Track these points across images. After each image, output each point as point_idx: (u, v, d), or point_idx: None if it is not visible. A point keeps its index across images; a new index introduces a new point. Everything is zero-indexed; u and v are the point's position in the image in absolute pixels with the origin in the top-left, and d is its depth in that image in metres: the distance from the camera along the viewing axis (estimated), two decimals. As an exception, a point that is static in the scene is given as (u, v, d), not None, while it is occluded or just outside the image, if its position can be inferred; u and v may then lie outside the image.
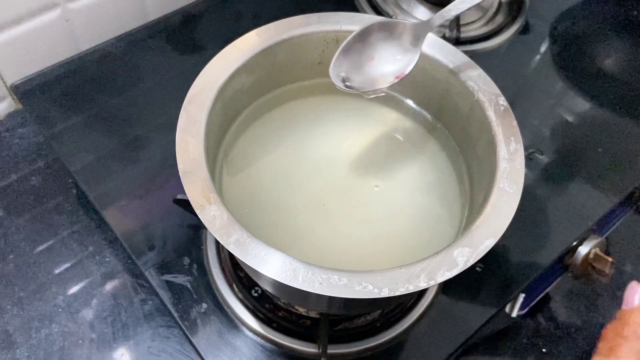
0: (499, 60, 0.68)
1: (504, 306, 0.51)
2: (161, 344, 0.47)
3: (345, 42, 0.40)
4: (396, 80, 0.41)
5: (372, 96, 0.41)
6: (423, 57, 0.44)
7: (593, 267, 0.56)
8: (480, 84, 0.42)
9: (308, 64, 0.47)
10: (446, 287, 0.50)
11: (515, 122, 0.40)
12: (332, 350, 0.46)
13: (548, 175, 0.58)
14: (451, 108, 0.45)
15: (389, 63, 0.41)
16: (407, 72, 0.40)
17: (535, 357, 0.54)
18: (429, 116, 0.48)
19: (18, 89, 0.59)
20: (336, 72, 0.41)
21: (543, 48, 0.70)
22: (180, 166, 0.36)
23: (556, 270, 0.58)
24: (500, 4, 0.74)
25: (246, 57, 0.42)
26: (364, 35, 0.41)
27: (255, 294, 0.48)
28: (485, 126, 0.41)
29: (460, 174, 0.45)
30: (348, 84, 0.40)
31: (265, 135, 0.47)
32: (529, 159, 0.59)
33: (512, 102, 0.41)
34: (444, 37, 0.65)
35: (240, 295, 0.48)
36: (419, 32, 0.40)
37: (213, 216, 0.34)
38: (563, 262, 0.57)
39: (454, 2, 0.39)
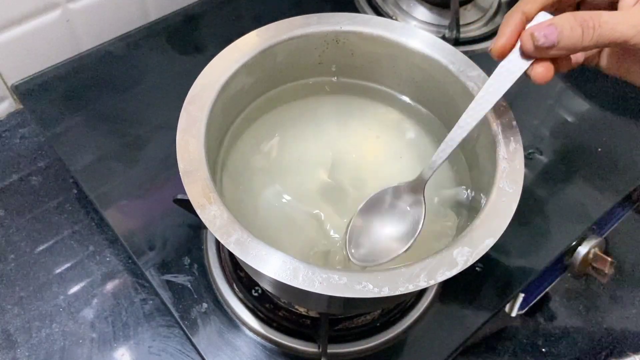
0: (499, 61, 0.68)
1: (504, 306, 0.51)
2: (161, 344, 0.47)
3: (351, 221, 0.40)
4: (411, 244, 0.39)
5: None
6: (423, 57, 0.44)
7: (592, 267, 0.56)
8: (480, 84, 0.42)
9: (308, 65, 0.47)
10: (446, 287, 0.50)
11: (515, 122, 0.40)
12: (332, 350, 0.46)
13: (548, 175, 0.58)
14: (451, 108, 0.45)
15: (398, 228, 0.40)
16: (418, 231, 0.39)
17: (535, 357, 0.54)
18: (428, 116, 0.48)
19: (18, 89, 0.59)
20: (350, 253, 0.39)
21: (543, 48, 0.70)
22: (180, 166, 0.36)
23: (556, 270, 0.58)
24: (500, 4, 0.74)
25: (246, 58, 0.42)
26: (367, 210, 0.40)
27: (256, 294, 0.48)
28: (485, 126, 0.41)
29: (460, 173, 0.45)
30: (365, 263, 0.39)
31: (266, 136, 0.47)
32: (528, 159, 0.59)
33: (512, 102, 0.41)
34: (443, 38, 0.65)
35: (240, 294, 0.48)
36: (416, 187, 0.40)
37: (213, 216, 0.34)
38: (562, 262, 0.57)
39: (437, 152, 0.38)
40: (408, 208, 0.40)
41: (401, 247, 0.39)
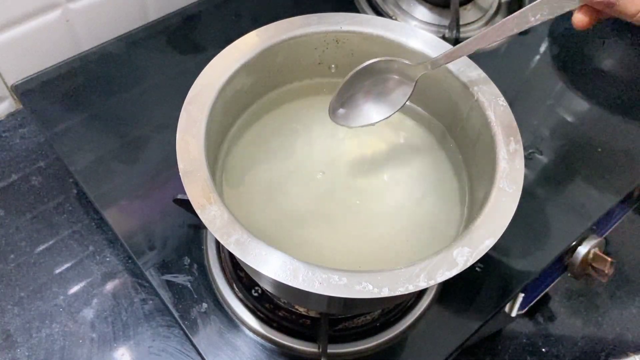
0: (499, 61, 0.68)
1: (504, 306, 0.51)
2: (161, 344, 0.47)
3: (344, 80, 0.42)
4: (389, 115, 0.43)
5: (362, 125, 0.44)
6: (423, 57, 0.44)
7: (592, 267, 0.56)
8: (480, 84, 0.42)
9: (308, 65, 0.47)
10: (446, 287, 0.50)
11: (514, 122, 0.40)
12: (332, 350, 0.46)
13: (547, 175, 0.58)
14: (451, 108, 0.45)
15: (383, 98, 0.43)
16: (399, 107, 0.43)
17: (535, 357, 0.54)
18: (428, 116, 0.48)
19: (18, 89, 0.59)
20: (334, 108, 0.43)
21: (542, 48, 0.70)
22: (180, 166, 0.36)
23: (555, 270, 0.58)
24: (500, 4, 0.74)
25: (246, 58, 0.42)
26: (361, 73, 0.42)
27: (256, 294, 0.48)
28: (485, 126, 0.41)
29: (460, 173, 0.45)
30: (342, 122, 0.43)
31: (266, 136, 0.47)
32: (528, 159, 0.59)
33: (512, 102, 0.42)
34: (443, 38, 0.65)
35: (240, 295, 0.48)
36: (414, 72, 0.42)
37: (213, 216, 0.34)
38: (562, 262, 0.57)
39: (459, 46, 0.40)
40: (398, 85, 0.43)
41: (377, 118, 0.43)
